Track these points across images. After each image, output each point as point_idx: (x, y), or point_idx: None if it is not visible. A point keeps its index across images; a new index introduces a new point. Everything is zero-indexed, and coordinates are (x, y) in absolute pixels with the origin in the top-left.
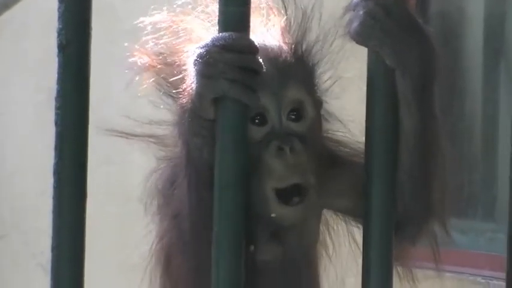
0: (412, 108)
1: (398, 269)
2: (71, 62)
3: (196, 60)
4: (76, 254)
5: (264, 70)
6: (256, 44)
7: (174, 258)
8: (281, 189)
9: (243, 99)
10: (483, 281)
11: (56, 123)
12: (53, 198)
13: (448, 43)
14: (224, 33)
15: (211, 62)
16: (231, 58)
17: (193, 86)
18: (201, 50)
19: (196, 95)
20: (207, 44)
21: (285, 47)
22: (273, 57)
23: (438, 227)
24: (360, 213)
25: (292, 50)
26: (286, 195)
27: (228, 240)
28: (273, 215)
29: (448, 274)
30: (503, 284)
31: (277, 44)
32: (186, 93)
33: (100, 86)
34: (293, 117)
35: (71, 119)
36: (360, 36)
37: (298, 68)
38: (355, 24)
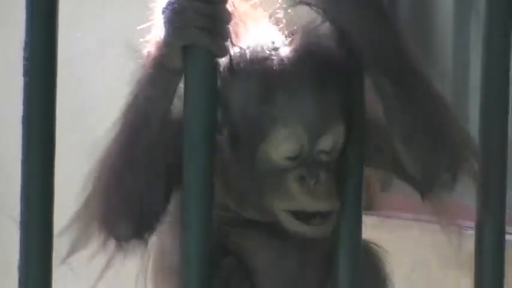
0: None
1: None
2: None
3: (165, 8)
4: (45, 202)
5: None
6: None
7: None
8: (298, 211)
9: (212, 48)
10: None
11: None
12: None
13: None
14: None
15: (180, 10)
16: (200, 6)
17: (162, 34)
18: None
19: (164, 43)
20: None
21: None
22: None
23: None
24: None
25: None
26: (304, 217)
27: (195, 201)
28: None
29: (419, 222)
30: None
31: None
32: (153, 42)
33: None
34: (326, 152)
35: (39, 71)
36: None
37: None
38: None
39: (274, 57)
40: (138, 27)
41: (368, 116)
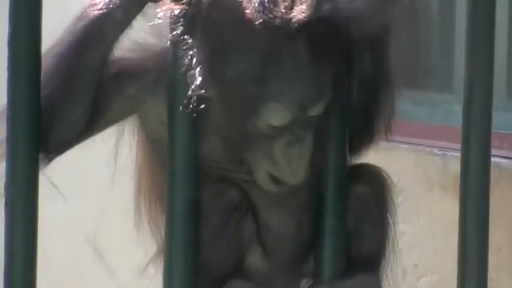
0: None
1: None
2: None
3: None
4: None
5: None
6: None
7: None
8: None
9: None
10: (440, 152)
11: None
12: None
13: None
14: None
15: None
16: None
17: None
18: None
19: None
20: None
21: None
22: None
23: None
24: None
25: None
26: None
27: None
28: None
29: (404, 146)
30: (458, 155)
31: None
32: None
33: None
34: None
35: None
36: None
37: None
38: None
39: (270, 26)
40: None
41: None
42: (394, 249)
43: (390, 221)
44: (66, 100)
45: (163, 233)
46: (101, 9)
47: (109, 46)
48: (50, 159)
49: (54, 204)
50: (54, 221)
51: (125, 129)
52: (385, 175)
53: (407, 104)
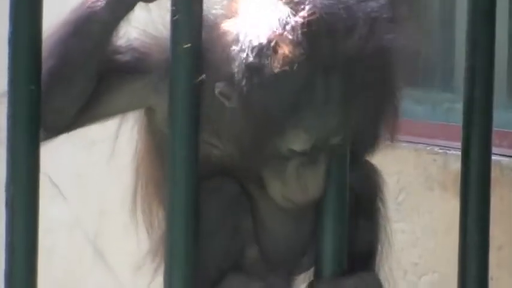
0: None
1: None
2: None
3: None
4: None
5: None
6: None
7: None
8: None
9: None
10: (440, 150)
11: None
12: None
13: None
14: None
15: None
16: None
17: None
18: None
19: None
20: None
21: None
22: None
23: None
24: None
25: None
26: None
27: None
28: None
29: (404, 144)
30: (459, 153)
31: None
32: None
33: None
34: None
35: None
36: None
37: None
38: None
39: (306, 64)
40: None
41: None
42: (394, 247)
43: (383, 213)
44: (59, 83)
45: (163, 229)
46: (88, 7)
47: (97, 44)
48: (46, 138)
49: (54, 203)
50: (54, 220)
51: (123, 127)
52: (379, 173)
53: (407, 103)
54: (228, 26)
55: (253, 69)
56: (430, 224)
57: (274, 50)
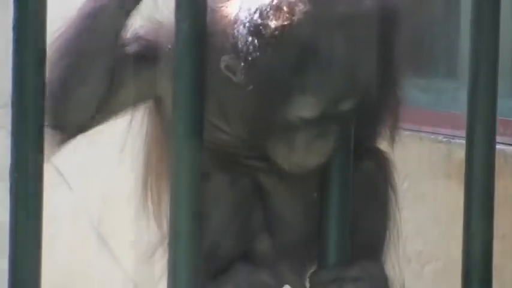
0: None
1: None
2: None
3: None
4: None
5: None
6: None
7: None
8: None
9: None
10: (444, 139)
11: None
12: None
13: None
14: None
15: None
16: None
17: None
18: None
19: None
20: None
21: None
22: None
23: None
24: None
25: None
26: None
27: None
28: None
29: (408, 133)
30: (463, 142)
31: None
32: None
33: None
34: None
35: None
36: None
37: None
38: None
39: (313, 18)
40: None
41: None
42: (399, 235)
43: (394, 202)
44: (77, 80)
45: (168, 219)
46: (97, 2)
47: (109, 37)
48: (63, 142)
49: (58, 191)
50: (58, 207)
51: (128, 116)
52: (390, 161)
53: (411, 91)
54: (228, 8)
55: (255, 31)
56: (434, 212)
57: (275, 9)
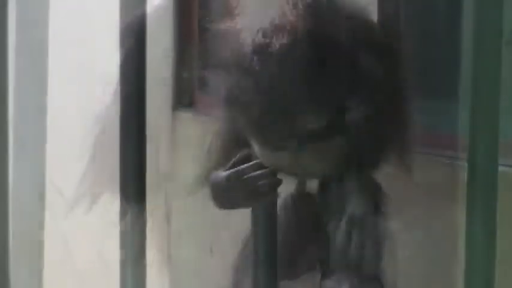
0: None
1: None
2: None
3: None
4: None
5: None
6: None
7: None
8: None
9: None
10: (447, 161)
11: None
12: None
13: None
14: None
15: None
16: None
17: None
18: None
19: None
20: None
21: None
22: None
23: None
24: None
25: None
26: None
27: None
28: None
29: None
30: (465, 164)
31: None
32: None
33: None
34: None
35: None
36: None
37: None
38: None
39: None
40: None
41: None
42: (397, 258)
43: (386, 230)
44: None
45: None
46: None
47: None
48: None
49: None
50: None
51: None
52: (380, 186)
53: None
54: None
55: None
56: (435, 234)
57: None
